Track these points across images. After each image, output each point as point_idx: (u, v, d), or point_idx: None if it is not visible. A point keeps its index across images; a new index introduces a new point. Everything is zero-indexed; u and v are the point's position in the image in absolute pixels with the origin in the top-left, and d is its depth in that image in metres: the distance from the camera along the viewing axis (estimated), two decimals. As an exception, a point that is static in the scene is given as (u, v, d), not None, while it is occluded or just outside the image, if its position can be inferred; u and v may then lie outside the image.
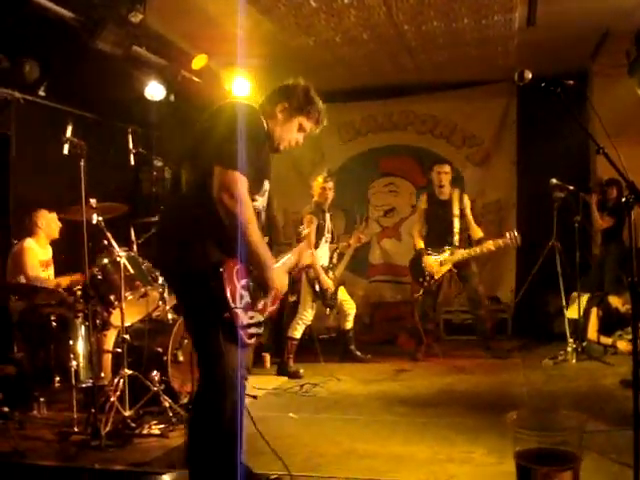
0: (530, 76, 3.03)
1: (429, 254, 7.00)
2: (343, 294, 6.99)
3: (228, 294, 2.83)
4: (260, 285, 3.02)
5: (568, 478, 2.72)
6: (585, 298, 7.09)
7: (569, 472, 2.72)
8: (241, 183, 2.85)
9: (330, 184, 6.78)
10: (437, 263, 6.95)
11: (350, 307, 7.06)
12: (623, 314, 6.84)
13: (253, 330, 2.95)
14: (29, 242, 5.73)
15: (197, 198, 2.93)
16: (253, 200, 3.04)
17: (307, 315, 6.69)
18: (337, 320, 7.37)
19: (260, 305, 3.06)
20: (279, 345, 7.23)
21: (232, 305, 2.84)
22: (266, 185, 3.25)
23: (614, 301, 6.98)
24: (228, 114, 3.04)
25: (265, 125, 3.18)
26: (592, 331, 7.00)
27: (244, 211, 2.84)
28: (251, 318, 2.95)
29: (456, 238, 6.95)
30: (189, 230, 2.95)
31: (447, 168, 7.08)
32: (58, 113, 6.51)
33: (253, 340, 3.00)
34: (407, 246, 9.08)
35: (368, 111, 9.15)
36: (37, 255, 5.74)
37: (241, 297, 2.91)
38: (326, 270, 6.71)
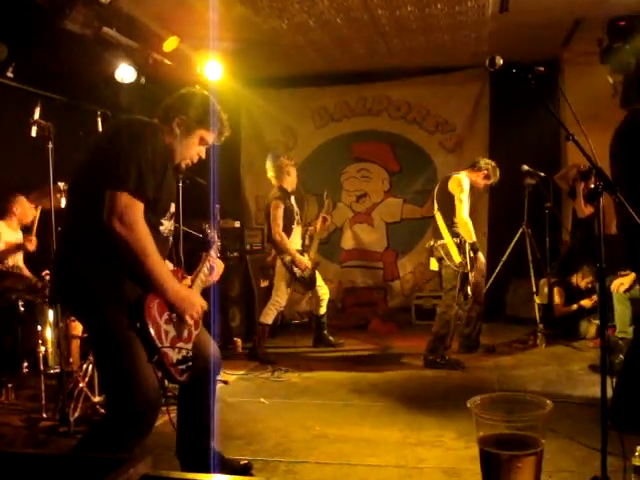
0: (501, 62, 3.02)
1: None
2: (318, 279, 6.97)
3: (153, 334, 2.69)
4: (176, 315, 2.85)
5: (531, 463, 2.74)
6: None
7: (532, 457, 2.75)
8: (134, 208, 2.64)
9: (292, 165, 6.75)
10: None
11: (324, 292, 7.05)
12: (584, 288, 7.02)
13: (183, 366, 2.83)
14: None
15: (99, 225, 2.64)
16: (159, 225, 2.89)
17: (280, 301, 6.66)
18: (309, 305, 7.36)
19: (185, 334, 2.90)
20: (250, 330, 7.23)
21: (159, 345, 2.71)
22: (172, 208, 3.01)
23: (573, 279, 7.16)
24: (126, 133, 2.82)
25: (166, 143, 2.93)
26: (558, 307, 7.14)
27: (139, 239, 2.64)
28: (179, 352, 2.82)
29: None
30: (100, 265, 2.72)
31: None
32: (26, 95, 6.39)
33: (184, 377, 2.85)
34: (379, 231, 9.12)
35: (342, 96, 9.11)
36: (5, 237, 5.68)
37: (166, 333, 2.78)
38: (301, 253, 6.69)
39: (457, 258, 5.91)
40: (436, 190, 6.33)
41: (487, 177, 6.30)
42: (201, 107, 3.04)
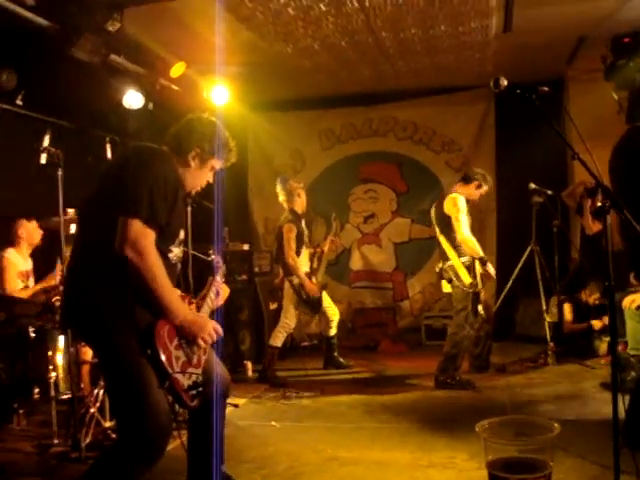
0: (505, 83, 3.04)
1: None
2: (326, 300, 6.98)
3: (164, 361, 2.70)
4: (187, 341, 2.85)
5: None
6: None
7: (541, 480, 2.73)
8: (146, 235, 2.68)
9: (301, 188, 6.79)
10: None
11: (333, 313, 7.03)
12: (592, 305, 7.01)
13: (194, 392, 2.83)
14: (10, 253, 5.69)
15: (110, 251, 2.67)
16: (168, 252, 2.91)
17: (290, 323, 6.65)
18: (319, 327, 7.35)
19: (195, 360, 2.91)
20: (260, 353, 7.21)
21: (170, 371, 2.72)
22: (182, 235, 3.04)
23: (582, 296, 7.15)
24: (136, 160, 2.85)
25: (177, 171, 2.96)
26: (567, 324, 7.13)
27: (150, 266, 2.66)
28: (190, 377, 2.83)
29: None
30: (111, 291, 2.73)
31: None
32: (35, 122, 6.45)
33: (195, 402, 2.85)
34: (387, 252, 9.13)
35: (348, 118, 9.16)
36: (17, 266, 5.71)
37: (177, 359, 2.78)
38: (309, 276, 6.70)
39: (467, 279, 5.90)
40: (433, 213, 6.29)
41: (479, 187, 6.27)
42: (215, 139, 3.06)
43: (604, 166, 3.07)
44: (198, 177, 3.10)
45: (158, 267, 2.69)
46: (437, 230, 6.17)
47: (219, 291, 3.28)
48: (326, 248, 7.12)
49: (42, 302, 5.29)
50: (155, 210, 2.72)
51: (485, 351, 6.64)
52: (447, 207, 6.05)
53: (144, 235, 2.67)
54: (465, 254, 5.95)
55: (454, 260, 5.96)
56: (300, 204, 6.74)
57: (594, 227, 7.31)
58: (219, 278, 3.33)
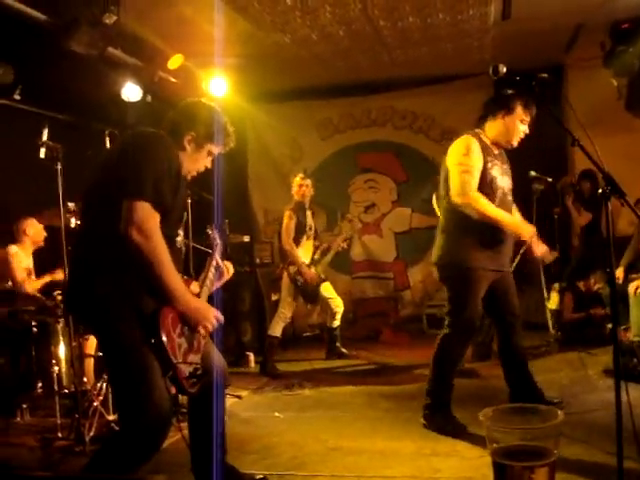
0: (505, 70, 3.04)
1: None
2: (330, 292, 6.99)
3: (169, 350, 2.69)
4: (189, 327, 2.84)
5: (544, 474, 2.72)
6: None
7: (545, 468, 2.73)
8: (152, 217, 2.64)
9: (307, 181, 6.80)
10: None
11: (337, 305, 7.04)
12: (595, 292, 7.00)
13: (194, 379, 2.84)
14: (14, 248, 5.71)
15: (114, 238, 2.62)
16: (176, 235, 2.91)
17: (286, 312, 6.68)
18: (321, 317, 7.36)
19: (195, 345, 2.91)
20: (263, 344, 7.22)
21: (174, 361, 2.71)
22: (184, 218, 3.05)
23: (581, 285, 7.15)
24: (137, 144, 2.84)
25: (177, 155, 2.92)
26: (567, 312, 7.13)
27: (155, 249, 2.62)
28: (190, 364, 2.83)
29: None
30: (115, 279, 2.69)
31: None
32: (34, 116, 6.44)
33: (195, 388, 2.86)
34: (388, 242, 9.12)
35: (346, 108, 9.15)
36: (22, 261, 5.72)
37: (179, 347, 2.78)
38: (308, 266, 6.71)
39: None
40: (435, 202, 6.28)
41: None
42: (210, 123, 3.03)
43: (604, 152, 3.06)
44: (195, 161, 3.06)
45: (164, 252, 2.66)
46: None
47: (220, 268, 3.26)
48: (333, 247, 7.15)
49: (44, 301, 5.30)
50: (160, 192, 2.69)
51: (487, 339, 6.64)
52: None
53: (150, 217, 2.63)
54: None
55: None
56: (303, 196, 6.79)
57: (581, 220, 7.36)
58: (218, 256, 3.31)
